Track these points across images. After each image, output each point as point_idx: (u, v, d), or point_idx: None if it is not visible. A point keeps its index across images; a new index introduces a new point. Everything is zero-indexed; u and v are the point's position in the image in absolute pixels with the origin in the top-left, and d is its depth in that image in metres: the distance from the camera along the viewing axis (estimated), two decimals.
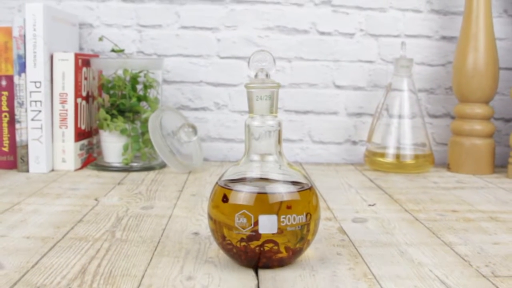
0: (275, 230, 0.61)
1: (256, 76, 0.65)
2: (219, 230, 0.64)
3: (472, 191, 1.07)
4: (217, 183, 0.66)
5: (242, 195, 0.62)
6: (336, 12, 1.37)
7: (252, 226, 0.61)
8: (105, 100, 1.24)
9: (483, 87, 1.24)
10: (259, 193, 0.62)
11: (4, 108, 1.20)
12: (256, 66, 0.65)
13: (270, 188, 0.64)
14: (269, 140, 0.65)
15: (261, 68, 0.65)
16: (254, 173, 0.65)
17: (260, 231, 0.61)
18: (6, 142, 1.20)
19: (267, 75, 0.65)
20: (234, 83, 1.38)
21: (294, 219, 0.62)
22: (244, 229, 0.61)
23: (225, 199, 0.63)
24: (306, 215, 0.63)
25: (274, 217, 0.61)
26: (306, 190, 0.65)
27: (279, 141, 0.66)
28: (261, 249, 0.62)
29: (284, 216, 0.62)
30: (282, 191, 0.63)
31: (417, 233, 0.79)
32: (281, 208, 0.62)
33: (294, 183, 0.65)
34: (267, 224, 0.61)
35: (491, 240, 0.76)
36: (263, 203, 0.62)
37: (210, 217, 0.65)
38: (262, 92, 0.64)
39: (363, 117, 1.39)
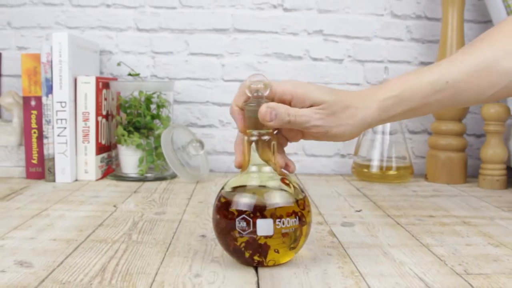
0: (271, 233, 0.62)
1: (252, 96, 0.65)
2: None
3: (447, 199, 1.07)
4: (220, 191, 0.66)
5: (243, 201, 0.63)
6: (327, 41, 1.38)
7: (251, 229, 0.61)
8: (122, 118, 1.25)
9: None
10: (257, 199, 0.63)
11: (34, 125, 1.20)
12: (252, 89, 0.65)
13: (266, 195, 0.64)
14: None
15: (256, 89, 0.65)
16: (253, 182, 0.66)
17: (258, 234, 0.61)
18: (35, 155, 1.21)
19: (262, 95, 0.65)
20: None
21: (288, 222, 0.62)
22: (244, 231, 0.62)
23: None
24: (299, 219, 0.63)
25: (270, 221, 0.62)
26: (299, 197, 0.65)
27: (274, 153, 0.66)
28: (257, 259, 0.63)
29: (279, 220, 0.62)
30: (277, 198, 0.63)
31: (398, 235, 0.79)
32: (276, 213, 0.62)
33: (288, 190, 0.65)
34: (264, 227, 0.61)
35: (464, 242, 0.76)
36: (260, 208, 0.62)
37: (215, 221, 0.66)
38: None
39: None
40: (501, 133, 1.20)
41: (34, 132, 1.20)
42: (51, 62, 1.17)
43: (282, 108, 0.62)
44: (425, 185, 1.23)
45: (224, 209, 0.64)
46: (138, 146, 1.21)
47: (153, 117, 1.24)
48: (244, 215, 0.62)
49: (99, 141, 1.23)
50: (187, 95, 1.38)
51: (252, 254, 0.63)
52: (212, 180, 1.25)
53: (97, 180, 1.21)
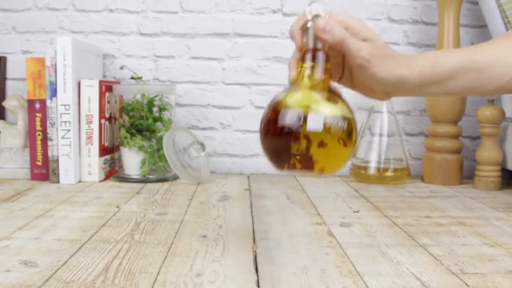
0: (321, 127, 0.59)
1: (310, 20, 0.64)
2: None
3: (443, 200, 1.08)
4: (274, 98, 0.64)
5: (296, 99, 0.62)
6: None
7: (301, 123, 0.59)
8: (125, 121, 1.25)
9: (452, 109, 1.24)
10: (310, 102, 0.61)
11: (38, 127, 1.20)
12: (311, 12, 0.64)
13: (319, 101, 0.62)
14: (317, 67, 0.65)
15: (317, 13, 0.64)
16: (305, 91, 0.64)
17: (308, 127, 0.59)
18: (39, 157, 1.21)
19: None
20: (237, 106, 1.38)
21: (339, 121, 0.60)
22: (294, 126, 0.59)
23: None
24: (348, 123, 0.61)
25: (321, 116, 0.59)
26: (348, 104, 0.64)
27: (327, 75, 0.65)
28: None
29: (329, 117, 0.60)
30: (328, 104, 0.61)
31: (395, 236, 0.80)
32: (327, 114, 0.60)
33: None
34: (315, 121, 0.59)
35: (459, 242, 0.76)
36: (314, 102, 0.61)
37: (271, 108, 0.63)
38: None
39: None
40: (496, 136, 1.21)
41: (39, 134, 1.20)
42: (55, 65, 1.17)
43: (338, 27, 0.63)
44: (422, 186, 1.23)
45: (276, 109, 0.62)
46: (141, 148, 1.21)
47: (155, 119, 1.24)
48: (297, 109, 0.60)
49: (102, 143, 1.23)
50: (188, 98, 1.38)
51: (301, 157, 0.60)
52: (213, 181, 1.25)
53: (100, 181, 1.21)
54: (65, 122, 1.17)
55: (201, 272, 0.62)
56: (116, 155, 1.32)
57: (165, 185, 1.18)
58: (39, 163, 1.21)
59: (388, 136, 1.26)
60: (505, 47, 0.69)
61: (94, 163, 1.20)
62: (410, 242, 0.76)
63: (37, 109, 1.20)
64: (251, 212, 0.94)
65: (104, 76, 1.38)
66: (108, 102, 1.26)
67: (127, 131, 1.22)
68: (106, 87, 1.24)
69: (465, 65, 0.66)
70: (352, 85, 0.69)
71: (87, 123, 1.20)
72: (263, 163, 1.36)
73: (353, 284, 0.59)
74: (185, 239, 0.76)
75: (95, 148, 1.20)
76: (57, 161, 1.17)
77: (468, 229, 0.84)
